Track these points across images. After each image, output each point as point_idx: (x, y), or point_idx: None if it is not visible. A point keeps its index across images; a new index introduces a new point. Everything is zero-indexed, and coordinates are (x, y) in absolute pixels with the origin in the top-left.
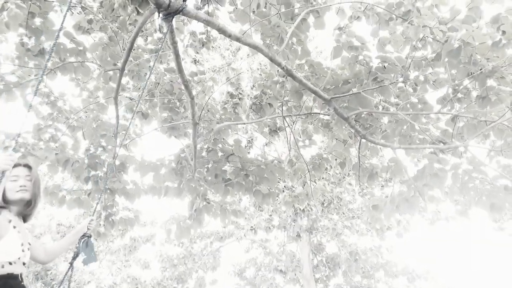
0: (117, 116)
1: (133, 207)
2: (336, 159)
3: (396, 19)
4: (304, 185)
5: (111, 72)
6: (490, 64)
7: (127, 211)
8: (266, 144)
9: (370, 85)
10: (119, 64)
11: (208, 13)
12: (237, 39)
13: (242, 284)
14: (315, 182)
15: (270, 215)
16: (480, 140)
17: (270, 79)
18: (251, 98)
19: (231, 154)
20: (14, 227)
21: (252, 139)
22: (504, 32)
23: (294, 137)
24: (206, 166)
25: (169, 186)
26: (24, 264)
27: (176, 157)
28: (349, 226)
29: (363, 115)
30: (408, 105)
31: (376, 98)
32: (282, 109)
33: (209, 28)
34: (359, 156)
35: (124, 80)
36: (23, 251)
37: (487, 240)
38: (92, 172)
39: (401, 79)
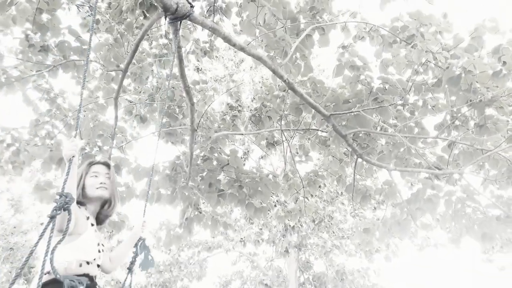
0: (116, 117)
1: (122, 212)
2: (331, 176)
3: (400, 43)
4: (297, 201)
5: (113, 73)
6: (489, 93)
7: (116, 215)
8: (261, 157)
9: (370, 105)
10: (122, 66)
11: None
12: (242, 49)
13: None
14: (308, 199)
15: (260, 229)
16: (475, 168)
17: (271, 92)
18: (250, 110)
19: (227, 164)
20: (92, 225)
21: (248, 151)
22: (505, 62)
23: (291, 152)
24: (200, 175)
25: (162, 192)
26: (98, 266)
27: (171, 163)
28: (338, 245)
29: (360, 135)
30: (405, 129)
31: (375, 118)
32: (281, 123)
33: (213, 37)
34: (354, 175)
35: (126, 82)
36: (99, 251)
37: (476, 271)
38: None
39: (400, 102)
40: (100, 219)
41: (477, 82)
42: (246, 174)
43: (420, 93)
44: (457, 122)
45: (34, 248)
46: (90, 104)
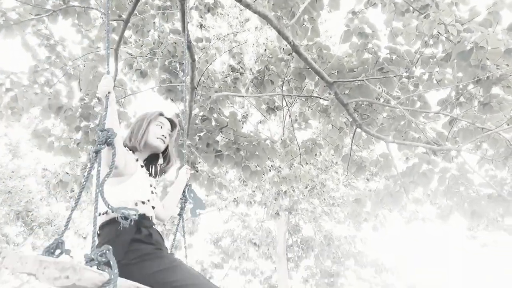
0: (116, 69)
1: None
2: (329, 145)
3: (413, 12)
4: (291, 167)
5: (114, 23)
6: (498, 71)
7: None
8: (260, 122)
9: (375, 75)
10: (124, 16)
11: None
12: (247, 5)
13: (216, 252)
14: (302, 166)
15: (254, 191)
16: (473, 147)
17: (275, 56)
18: (253, 73)
19: (225, 126)
20: (142, 166)
21: (247, 114)
22: None
23: (290, 118)
24: (198, 134)
25: None
26: (153, 208)
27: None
28: (328, 212)
29: (362, 105)
30: (408, 102)
31: (379, 89)
32: (282, 88)
33: None
34: (351, 145)
35: (127, 33)
36: (152, 192)
37: (460, 247)
38: (84, 122)
39: (406, 74)
40: (154, 172)
41: (487, 59)
42: (244, 137)
43: (427, 66)
44: (461, 99)
45: (84, 184)
46: (90, 55)
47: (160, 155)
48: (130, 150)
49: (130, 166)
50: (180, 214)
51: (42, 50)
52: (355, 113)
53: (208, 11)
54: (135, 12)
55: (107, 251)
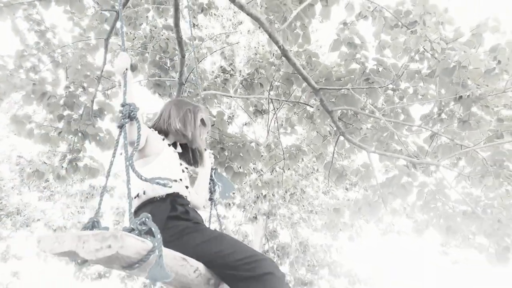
0: (105, 59)
1: (99, 159)
2: (312, 152)
3: (401, 27)
4: (272, 171)
5: (107, 14)
6: (478, 90)
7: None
8: (246, 124)
9: (361, 85)
10: (117, 7)
11: None
12: (241, 7)
13: None
14: (284, 171)
15: (234, 193)
16: (450, 163)
17: (266, 59)
18: (242, 75)
19: (212, 125)
20: (169, 145)
21: (233, 116)
22: (499, 61)
23: (277, 122)
24: None
25: None
26: (187, 188)
27: (155, 115)
28: (306, 219)
29: (348, 114)
30: (392, 113)
31: (364, 100)
32: (269, 92)
33: None
34: (333, 152)
35: (119, 25)
36: (183, 171)
37: (432, 262)
38: (67, 111)
39: (391, 86)
40: (192, 160)
41: (468, 78)
42: (230, 138)
43: (412, 80)
44: (443, 115)
45: (111, 166)
46: (80, 43)
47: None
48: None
49: (155, 145)
50: (211, 199)
51: (32, 35)
52: (340, 121)
53: (202, 11)
54: (129, 4)
55: (147, 219)
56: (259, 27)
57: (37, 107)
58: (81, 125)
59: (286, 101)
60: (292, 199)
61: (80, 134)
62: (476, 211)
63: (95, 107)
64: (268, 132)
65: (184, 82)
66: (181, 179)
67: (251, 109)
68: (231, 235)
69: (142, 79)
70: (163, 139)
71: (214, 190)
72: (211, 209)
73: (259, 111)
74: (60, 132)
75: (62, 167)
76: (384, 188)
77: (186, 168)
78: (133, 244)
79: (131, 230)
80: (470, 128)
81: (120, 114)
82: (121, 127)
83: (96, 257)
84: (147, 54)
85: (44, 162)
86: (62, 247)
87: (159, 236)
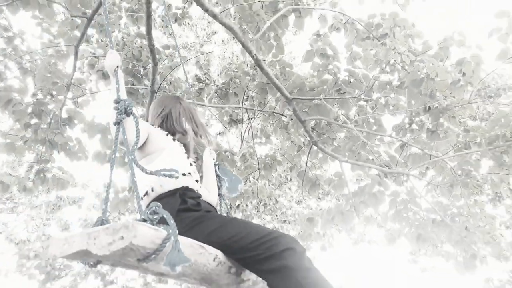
0: (74, 66)
1: (68, 170)
2: (287, 163)
3: (373, 40)
4: (246, 181)
5: (78, 20)
6: (445, 102)
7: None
8: (219, 133)
9: (333, 96)
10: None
11: None
12: (214, 16)
13: None
14: (258, 181)
15: (243, 186)
16: (419, 173)
17: (241, 69)
18: (217, 85)
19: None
20: (174, 139)
21: (207, 125)
22: (464, 74)
23: (251, 132)
24: None
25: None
26: (197, 181)
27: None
28: (279, 229)
29: (321, 124)
30: (364, 124)
31: (335, 109)
32: (242, 101)
33: (187, 4)
34: (307, 162)
35: (90, 32)
36: (191, 164)
37: (402, 270)
38: (35, 120)
39: (362, 96)
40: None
41: (436, 89)
42: (203, 147)
43: (383, 91)
44: (414, 126)
45: (113, 158)
46: (49, 50)
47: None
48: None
49: (158, 141)
50: (219, 194)
51: None
52: (313, 131)
53: (176, 21)
54: (101, 11)
55: (157, 208)
56: (233, 37)
57: (1, 115)
58: (49, 134)
59: (260, 111)
60: (266, 209)
61: (48, 143)
62: (445, 220)
63: (65, 115)
64: (241, 142)
65: (156, 90)
66: (190, 173)
67: (225, 118)
68: (242, 219)
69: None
70: (167, 135)
71: (221, 185)
72: (220, 204)
73: (234, 121)
74: (26, 141)
75: (29, 178)
76: (356, 197)
77: (194, 162)
78: (146, 233)
79: (143, 221)
80: (438, 138)
81: (116, 111)
82: (118, 123)
83: (110, 251)
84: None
85: (10, 174)
86: (73, 247)
87: (172, 221)
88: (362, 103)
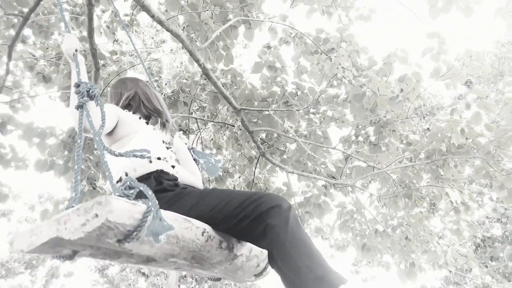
0: (7, 68)
1: (5, 183)
2: (239, 175)
3: (321, 54)
4: None
5: (15, 20)
6: (386, 116)
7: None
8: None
9: (281, 108)
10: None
11: None
12: (160, 22)
13: (101, 282)
14: None
15: (222, 166)
16: (362, 185)
17: (192, 78)
18: (164, 94)
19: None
20: (147, 123)
21: None
22: (402, 90)
23: (202, 144)
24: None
25: (55, 161)
26: (173, 167)
27: (70, 129)
28: None
29: (272, 135)
30: (312, 136)
31: (281, 120)
32: (189, 111)
33: (135, 11)
34: (254, 172)
35: (28, 32)
36: (167, 148)
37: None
38: None
39: (307, 109)
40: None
41: (377, 104)
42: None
43: (329, 104)
44: (360, 138)
45: (80, 143)
46: None
47: None
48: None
49: (130, 124)
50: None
51: None
52: (264, 143)
53: (123, 28)
54: (38, 10)
55: (132, 182)
56: (182, 47)
57: None
58: None
59: (211, 121)
60: None
61: None
62: (386, 230)
63: None
64: (191, 153)
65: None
66: (165, 158)
67: (175, 128)
68: (221, 189)
69: (56, 91)
70: (140, 118)
71: (200, 169)
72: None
73: (183, 131)
74: None
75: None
76: (301, 208)
77: (170, 147)
78: (124, 207)
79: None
80: (380, 151)
81: (77, 94)
82: (81, 106)
83: (85, 233)
84: (62, 66)
85: None
86: (42, 237)
87: (150, 193)
88: (310, 115)
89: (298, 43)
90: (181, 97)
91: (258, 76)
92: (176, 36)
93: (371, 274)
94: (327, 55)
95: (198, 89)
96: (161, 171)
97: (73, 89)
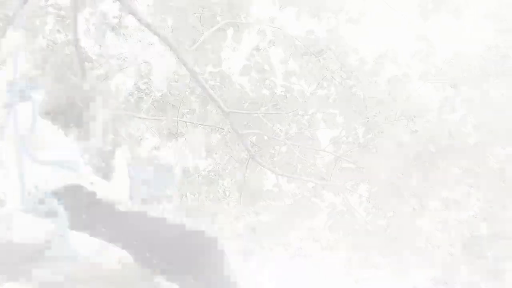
0: None
1: None
2: (230, 178)
3: (310, 56)
4: (182, 197)
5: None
6: (374, 118)
7: None
8: (156, 148)
9: (270, 110)
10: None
11: None
12: (148, 25)
13: None
14: (193, 196)
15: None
16: (352, 185)
17: (182, 81)
18: (153, 97)
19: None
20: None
21: (141, 139)
22: (390, 92)
23: (192, 146)
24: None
25: None
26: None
27: None
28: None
29: (262, 139)
30: (301, 139)
31: (270, 123)
32: (178, 114)
33: (123, 14)
34: (244, 174)
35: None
36: (90, 161)
37: (338, 284)
38: None
39: (297, 111)
40: None
41: (366, 106)
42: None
43: (319, 106)
44: (350, 139)
45: None
46: None
47: None
48: None
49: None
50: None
51: None
52: (254, 146)
53: (112, 30)
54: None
55: (46, 197)
56: (169, 49)
57: None
58: None
59: (201, 124)
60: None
61: None
62: (376, 230)
63: None
64: (182, 157)
65: None
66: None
67: (165, 131)
68: None
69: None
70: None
71: (138, 185)
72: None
73: (173, 134)
74: None
75: None
76: (291, 209)
77: (98, 158)
78: (28, 225)
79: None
80: (369, 152)
81: (8, 93)
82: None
83: None
84: (48, 69)
85: None
86: None
87: (62, 210)
88: (300, 118)
89: (288, 45)
90: (170, 99)
91: (247, 79)
92: (164, 39)
93: (363, 275)
94: (316, 56)
95: (188, 93)
96: (78, 186)
97: (5, 87)
